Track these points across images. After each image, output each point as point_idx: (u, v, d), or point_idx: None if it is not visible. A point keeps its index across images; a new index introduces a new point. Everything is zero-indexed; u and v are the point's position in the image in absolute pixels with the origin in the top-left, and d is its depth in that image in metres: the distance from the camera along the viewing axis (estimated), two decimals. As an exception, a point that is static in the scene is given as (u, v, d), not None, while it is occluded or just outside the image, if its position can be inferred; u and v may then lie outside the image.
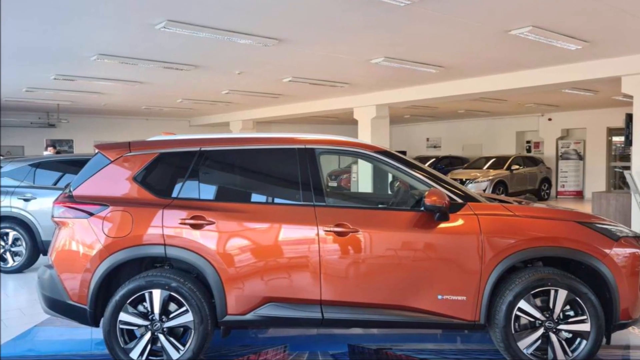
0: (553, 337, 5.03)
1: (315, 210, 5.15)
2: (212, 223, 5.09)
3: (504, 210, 5.28)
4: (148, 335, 5.04)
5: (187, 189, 5.30)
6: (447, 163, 27.18)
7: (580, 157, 25.07)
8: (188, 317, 5.04)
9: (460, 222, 5.11)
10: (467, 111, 24.87)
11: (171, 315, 5.07)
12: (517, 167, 22.69)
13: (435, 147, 32.09)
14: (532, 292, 5.03)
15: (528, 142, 28.36)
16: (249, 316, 5.09)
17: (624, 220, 12.66)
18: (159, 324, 5.04)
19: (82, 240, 5.14)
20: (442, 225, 5.09)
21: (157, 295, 5.04)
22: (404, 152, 22.03)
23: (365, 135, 18.38)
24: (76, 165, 9.50)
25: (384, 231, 5.15)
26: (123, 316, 5.03)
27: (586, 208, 17.04)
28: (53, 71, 13.45)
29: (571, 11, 8.46)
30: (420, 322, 5.17)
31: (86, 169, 5.48)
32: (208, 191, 5.42)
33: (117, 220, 5.13)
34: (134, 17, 8.59)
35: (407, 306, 5.08)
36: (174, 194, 5.26)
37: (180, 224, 5.09)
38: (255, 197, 5.67)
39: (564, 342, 5.05)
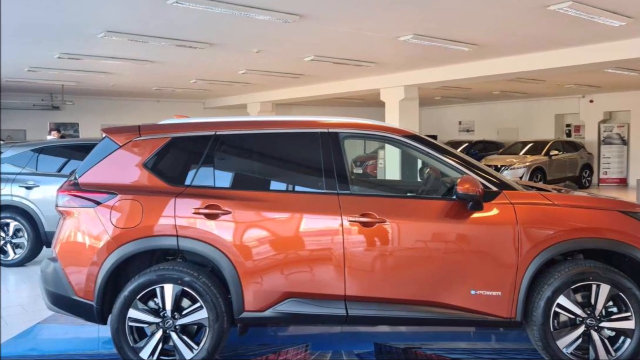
0: (595, 335, 4.99)
1: (339, 199, 5.12)
2: (228, 213, 5.08)
3: (542, 199, 5.22)
4: (159, 334, 5.05)
5: (201, 176, 5.29)
6: (481, 148, 27.06)
7: (624, 142, 24.83)
8: (202, 314, 5.04)
9: (495, 211, 5.07)
10: (503, 92, 24.72)
11: (184, 312, 5.08)
12: (556, 152, 22.53)
13: (468, 131, 31.96)
14: (573, 287, 4.99)
15: (568, 125, 28.16)
16: (267, 313, 5.08)
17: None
18: (171, 322, 5.05)
19: (88, 231, 5.15)
20: (476, 215, 5.05)
21: (169, 290, 5.03)
22: (434, 137, 21.96)
23: (392, 119, 18.36)
24: (82, 150, 9.48)
25: (413, 221, 5.12)
26: (132, 313, 5.03)
27: (630, 196, 16.89)
28: (57, 49, 13.52)
29: (615, -16, 8.37)
30: (452, 319, 5.14)
31: (93, 154, 5.48)
32: (224, 178, 5.42)
33: (126, 209, 5.13)
34: (144, -9, 8.59)
35: (437, 302, 5.06)
36: (187, 182, 5.26)
37: (194, 213, 5.09)
38: (275, 185, 5.68)
39: (606, 341, 5.02)
